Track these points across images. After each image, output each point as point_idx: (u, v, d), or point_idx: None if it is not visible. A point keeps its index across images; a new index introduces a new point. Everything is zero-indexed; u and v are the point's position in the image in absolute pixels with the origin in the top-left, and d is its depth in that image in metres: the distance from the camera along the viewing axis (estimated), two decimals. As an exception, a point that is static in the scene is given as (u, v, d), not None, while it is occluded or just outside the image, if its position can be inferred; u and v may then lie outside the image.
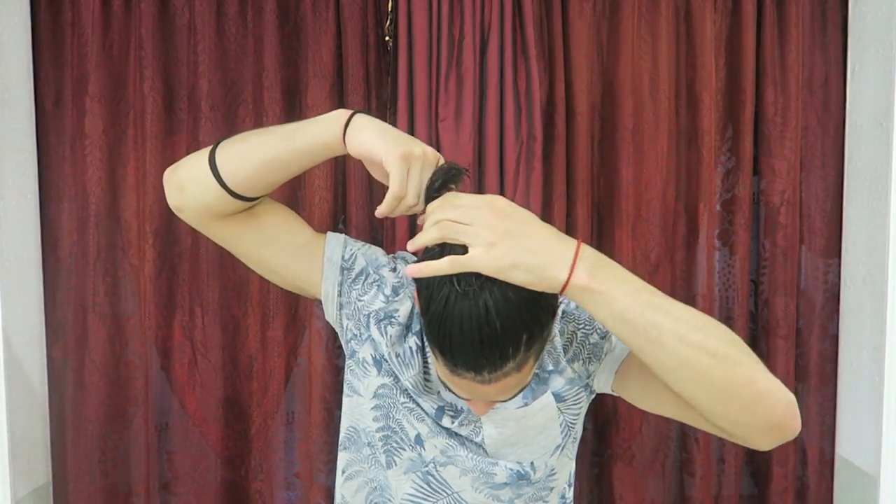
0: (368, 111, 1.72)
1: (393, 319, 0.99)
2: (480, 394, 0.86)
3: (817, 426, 1.80)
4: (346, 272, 1.04)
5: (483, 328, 0.77)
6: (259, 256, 1.05)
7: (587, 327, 1.00)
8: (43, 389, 1.74)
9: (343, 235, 1.09)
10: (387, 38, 1.70)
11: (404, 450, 1.00)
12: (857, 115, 1.71)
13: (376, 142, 0.86)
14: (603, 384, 1.01)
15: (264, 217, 1.05)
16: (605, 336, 0.99)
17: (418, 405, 0.99)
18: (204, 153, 0.96)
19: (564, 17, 1.70)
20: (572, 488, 1.10)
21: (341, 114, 0.91)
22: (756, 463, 1.85)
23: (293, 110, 1.74)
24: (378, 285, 1.02)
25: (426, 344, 0.97)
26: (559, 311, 0.98)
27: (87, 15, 1.69)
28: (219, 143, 0.96)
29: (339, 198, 1.76)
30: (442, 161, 0.89)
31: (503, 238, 0.75)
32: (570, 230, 1.73)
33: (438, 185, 0.85)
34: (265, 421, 1.78)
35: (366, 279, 1.04)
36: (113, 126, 1.73)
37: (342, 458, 1.07)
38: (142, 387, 1.75)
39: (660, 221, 1.73)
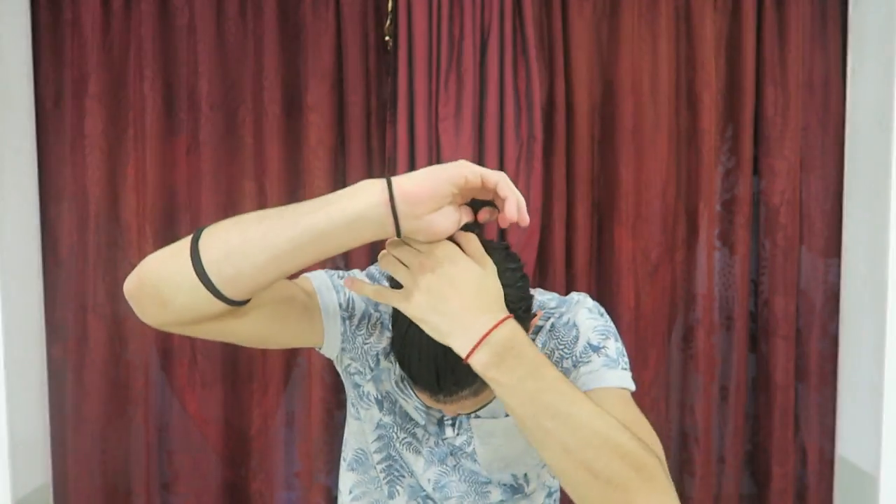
0: (368, 111, 1.73)
1: None
2: (438, 406, 0.88)
3: (817, 426, 1.80)
4: (347, 321, 0.96)
5: (439, 360, 0.78)
6: (258, 338, 0.90)
7: (565, 350, 0.97)
8: (43, 389, 1.74)
9: (325, 276, 0.96)
10: (387, 38, 1.70)
11: (404, 477, 1.01)
12: (857, 115, 1.71)
13: (425, 177, 0.73)
14: None
15: (262, 296, 0.83)
16: (576, 365, 0.96)
17: (416, 438, 0.99)
18: (181, 253, 0.75)
19: (564, 17, 1.70)
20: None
21: (370, 181, 0.75)
22: (756, 463, 1.85)
23: (293, 110, 1.74)
24: (381, 322, 0.97)
25: None
26: (548, 325, 0.97)
27: (87, 15, 1.69)
28: (199, 238, 0.76)
29: (339, 198, 1.75)
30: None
31: (423, 292, 0.75)
32: (570, 230, 1.73)
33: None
34: (265, 421, 1.78)
35: (369, 321, 0.97)
36: (113, 126, 1.73)
37: (349, 477, 1.07)
38: (142, 387, 1.75)
39: (660, 221, 1.73)
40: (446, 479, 0.99)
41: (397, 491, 1.01)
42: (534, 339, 0.94)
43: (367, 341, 0.97)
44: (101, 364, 1.73)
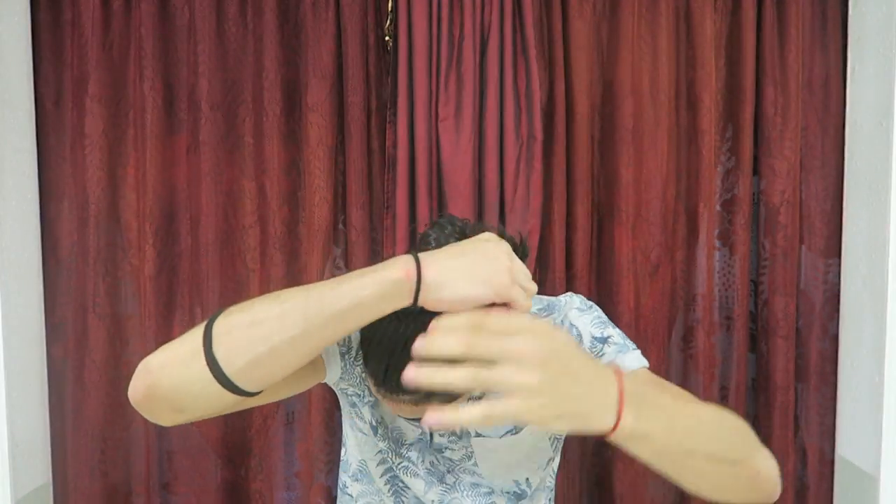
0: (368, 111, 1.73)
1: None
2: (380, 397, 0.85)
3: (817, 426, 1.80)
4: (346, 355, 0.95)
5: (394, 356, 0.76)
6: (272, 398, 0.87)
7: None
8: (43, 389, 1.74)
9: None
10: (387, 38, 1.70)
11: (409, 488, 1.01)
12: (857, 115, 1.71)
13: (469, 285, 0.69)
14: None
15: None
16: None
17: (412, 462, 0.99)
18: (195, 360, 0.69)
19: (564, 17, 1.70)
20: (556, 473, 1.11)
21: (399, 269, 0.69)
22: (756, 463, 1.85)
23: (293, 110, 1.74)
24: None
25: None
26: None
27: (87, 15, 1.69)
28: (211, 340, 0.70)
29: (339, 198, 1.76)
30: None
31: (551, 384, 0.60)
32: (570, 230, 1.73)
33: None
34: (265, 421, 1.78)
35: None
36: (113, 126, 1.73)
37: (354, 487, 1.06)
38: (142, 387, 1.75)
39: (660, 221, 1.73)
40: (449, 496, 0.99)
41: (402, 502, 1.01)
42: None
43: (365, 371, 0.96)
44: (101, 364, 1.73)
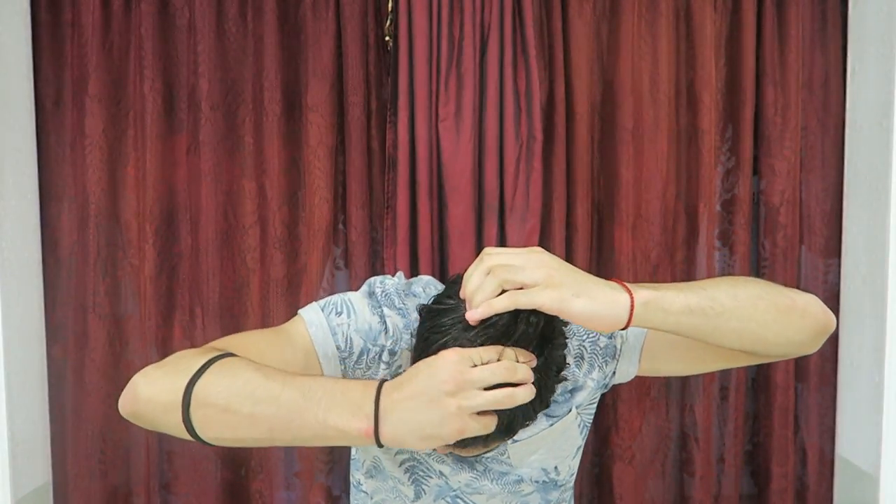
0: (368, 111, 1.73)
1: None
2: (475, 454, 0.88)
3: (817, 426, 1.80)
4: (346, 360, 0.94)
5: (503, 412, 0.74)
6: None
7: (591, 335, 0.99)
8: (43, 389, 1.74)
9: (321, 318, 0.93)
10: (387, 38, 1.70)
11: (431, 477, 1.00)
12: (857, 115, 1.71)
13: (419, 442, 0.73)
14: (626, 373, 1.02)
15: None
16: (611, 336, 0.99)
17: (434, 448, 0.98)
18: (174, 411, 0.77)
19: (564, 17, 1.70)
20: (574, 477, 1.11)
21: (361, 415, 0.72)
22: (756, 463, 1.85)
23: (293, 110, 1.74)
24: (379, 356, 0.94)
25: None
26: (587, 348, 0.98)
27: (87, 15, 1.69)
28: (191, 395, 0.76)
29: (338, 198, 1.76)
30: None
31: (559, 272, 0.76)
32: (570, 230, 1.73)
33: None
34: (265, 421, 1.77)
35: (367, 355, 0.94)
36: (113, 126, 1.73)
37: (368, 483, 1.05)
38: (142, 387, 1.75)
39: (660, 221, 1.73)
40: (478, 483, 0.99)
41: (423, 490, 1.01)
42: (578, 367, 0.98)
43: (367, 374, 0.95)
44: (101, 364, 1.73)
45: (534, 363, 0.76)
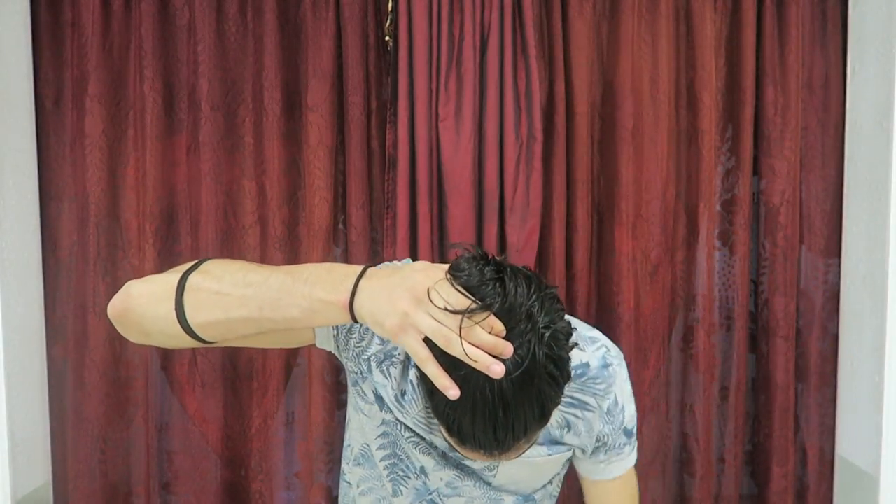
0: (368, 111, 1.73)
1: (394, 359, 0.95)
2: (487, 461, 0.86)
3: (817, 426, 1.80)
4: (339, 327, 0.97)
5: (497, 418, 0.73)
6: (257, 345, 0.96)
7: (613, 437, 1.02)
8: (43, 389, 1.74)
9: None
10: (387, 38, 1.70)
11: (409, 478, 1.00)
12: (857, 115, 1.71)
13: (374, 325, 0.74)
14: (579, 468, 1.10)
15: None
16: (609, 450, 1.03)
17: (424, 440, 0.97)
18: (166, 300, 0.80)
19: (564, 17, 1.70)
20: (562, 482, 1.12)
21: (342, 288, 0.75)
22: (756, 463, 1.85)
23: (293, 110, 1.74)
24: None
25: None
26: (602, 405, 0.99)
27: (87, 15, 1.69)
28: (185, 283, 0.80)
29: (339, 198, 1.76)
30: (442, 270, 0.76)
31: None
32: (570, 230, 1.73)
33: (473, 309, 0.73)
34: (265, 421, 1.78)
35: (361, 326, 0.95)
36: (113, 126, 1.73)
37: (355, 472, 1.05)
38: (142, 387, 1.75)
39: (660, 221, 1.73)
40: (460, 483, 0.99)
41: (401, 491, 1.01)
42: (587, 417, 0.99)
43: (359, 345, 0.96)
44: (101, 364, 1.73)
45: (507, 351, 0.71)
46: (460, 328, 0.69)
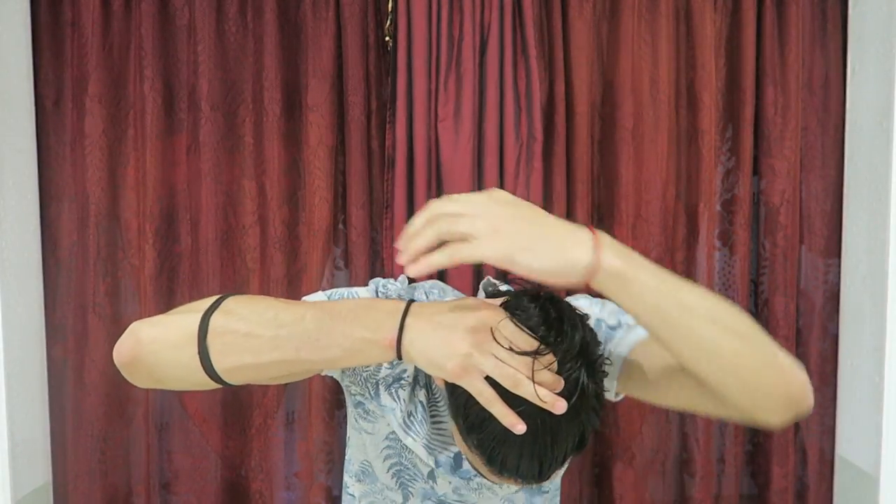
0: (368, 111, 1.73)
1: (403, 381, 0.93)
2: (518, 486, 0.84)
3: (817, 426, 1.80)
4: None
5: (545, 452, 0.72)
6: (267, 383, 0.94)
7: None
8: (43, 389, 1.74)
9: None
10: (387, 38, 1.70)
11: (417, 480, 0.99)
12: (857, 115, 1.71)
13: (428, 365, 0.72)
14: (607, 394, 0.96)
15: None
16: (606, 342, 0.97)
17: (426, 460, 0.96)
18: (188, 346, 0.73)
19: (564, 17, 1.70)
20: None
21: (387, 326, 0.71)
22: (756, 463, 1.85)
23: (293, 110, 1.74)
24: None
25: (431, 399, 0.94)
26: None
27: (87, 15, 1.69)
28: (208, 326, 0.74)
29: (339, 198, 1.76)
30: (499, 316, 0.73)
31: (509, 221, 0.67)
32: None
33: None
34: (265, 421, 1.78)
35: None
36: (113, 126, 1.73)
37: (357, 487, 1.04)
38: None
39: (660, 221, 1.73)
40: (467, 489, 0.99)
41: (410, 493, 1.00)
42: None
43: (367, 369, 0.94)
44: (101, 364, 1.73)
45: (560, 386, 0.70)
46: (532, 370, 0.69)
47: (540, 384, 0.69)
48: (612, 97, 1.73)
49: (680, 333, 0.69)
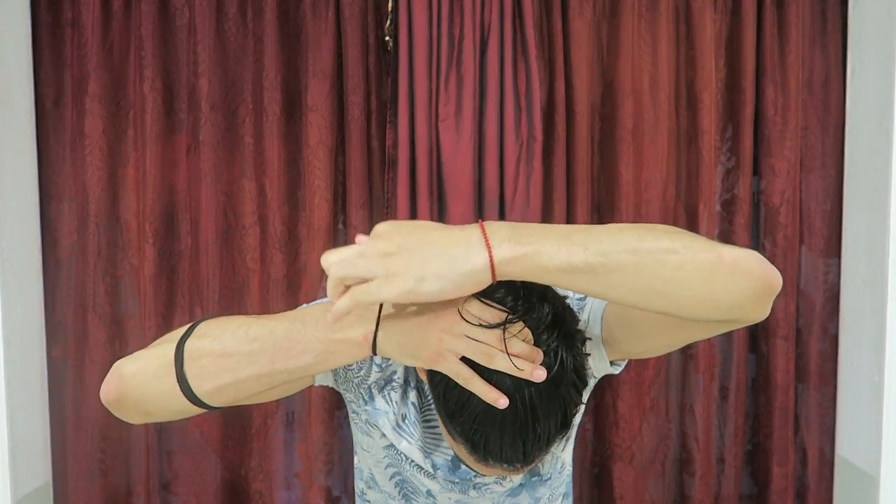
0: (368, 111, 1.73)
1: (394, 383, 0.94)
2: (506, 474, 0.83)
3: (817, 426, 1.80)
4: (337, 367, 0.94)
5: (527, 429, 0.71)
6: (259, 401, 0.90)
7: None
8: (43, 389, 1.74)
9: None
10: (387, 38, 1.70)
11: (420, 494, 0.99)
12: (857, 115, 1.71)
13: (404, 356, 0.74)
14: (602, 367, 0.93)
15: None
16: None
17: (422, 468, 0.96)
18: (166, 375, 0.74)
19: (564, 17, 1.70)
20: (570, 498, 1.11)
21: (359, 334, 0.73)
22: (756, 463, 1.85)
23: (293, 110, 1.74)
24: (372, 358, 0.92)
25: (423, 401, 0.93)
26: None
27: (87, 15, 1.69)
28: (183, 353, 0.74)
29: (339, 198, 1.76)
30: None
31: (396, 257, 0.67)
32: (569, 230, 1.73)
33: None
34: (265, 421, 1.78)
35: None
36: (113, 126, 1.73)
37: (368, 494, 1.05)
38: (142, 387, 1.75)
39: (660, 221, 1.73)
40: (467, 498, 0.98)
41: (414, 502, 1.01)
42: None
43: (358, 374, 0.94)
44: (101, 364, 1.73)
45: (538, 357, 0.70)
46: (504, 342, 0.68)
47: (516, 356, 0.69)
48: (612, 97, 1.73)
49: (612, 283, 0.66)
